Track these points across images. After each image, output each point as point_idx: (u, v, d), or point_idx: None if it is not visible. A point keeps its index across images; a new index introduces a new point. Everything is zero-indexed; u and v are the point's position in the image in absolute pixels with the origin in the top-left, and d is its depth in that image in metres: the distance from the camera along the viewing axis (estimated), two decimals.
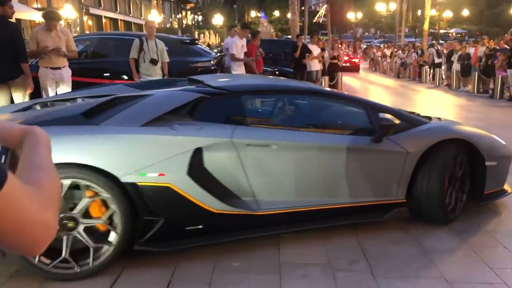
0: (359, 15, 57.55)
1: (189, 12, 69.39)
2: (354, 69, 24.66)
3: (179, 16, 61.47)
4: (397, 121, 3.46)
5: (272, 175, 3.24)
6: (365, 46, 39.06)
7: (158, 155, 2.90)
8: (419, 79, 19.81)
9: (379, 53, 28.02)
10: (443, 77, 17.71)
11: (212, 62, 9.05)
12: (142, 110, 3.15)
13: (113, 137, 2.89)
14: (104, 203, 2.85)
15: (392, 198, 3.58)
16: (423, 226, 3.72)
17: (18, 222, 0.62)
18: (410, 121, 3.80)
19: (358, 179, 3.48)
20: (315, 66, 12.47)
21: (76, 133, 2.87)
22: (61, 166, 2.66)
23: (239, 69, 8.96)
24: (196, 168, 2.97)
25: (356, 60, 26.31)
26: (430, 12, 32.54)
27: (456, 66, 15.93)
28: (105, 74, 8.49)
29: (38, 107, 3.71)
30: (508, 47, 12.66)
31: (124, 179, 2.81)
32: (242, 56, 8.99)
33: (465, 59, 15.35)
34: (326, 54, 14.95)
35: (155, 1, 49.12)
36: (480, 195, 3.96)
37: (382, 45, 33.56)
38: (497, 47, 13.69)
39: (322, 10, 66.62)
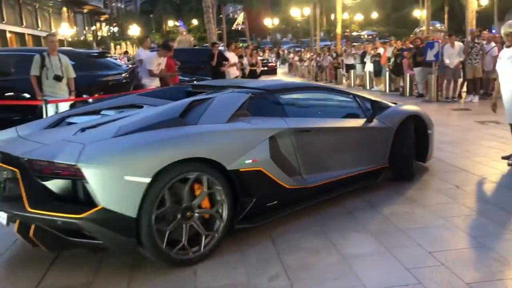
0: (276, 21, 58.75)
1: (104, 24, 66.96)
2: (272, 72, 28.43)
3: (93, 28, 59.12)
4: (391, 104, 5.13)
5: (314, 155, 4.05)
6: (285, 52, 39.98)
7: (249, 144, 3.50)
8: (335, 81, 20.48)
9: (296, 58, 28.72)
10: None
11: (123, 75, 8.66)
12: (220, 109, 3.65)
13: (218, 132, 3.44)
14: (212, 195, 3.33)
15: (382, 164, 4.74)
16: (340, 231, 3.70)
17: None
18: (385, 104, 5.08)
19: (364, 151, 4.57)
20: (234, 73, 12.40)
21: (193, 132, 3.33)
22: (188, 162, 3.15)
23: (153, 84, 8.64)
24: (274, 153, 3.65)
25: (273, 64, 30.54)
26: (342, 15, 33.93)
27: (369, 67, 16.64)
28: (6, 94, 7.88)
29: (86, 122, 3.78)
30: (413, 46, 13.39)
31: (229, 167, 3.34)
32: (158, 71, 8.69)
33: (377, 59, 16.07)
34: (245, 61, 14.98)
35: (66, 13, 46.89)
36: (425, 158, 5.31)
37: (291, 50, 35.15)
38: (404, 47, 14.44)
39: (240, 18, 67.32)
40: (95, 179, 2.82)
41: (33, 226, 2.96)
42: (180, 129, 3.30)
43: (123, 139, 3.10)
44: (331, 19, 53.51)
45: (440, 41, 12.68)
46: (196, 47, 24.35)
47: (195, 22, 62.77)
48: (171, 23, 67.44)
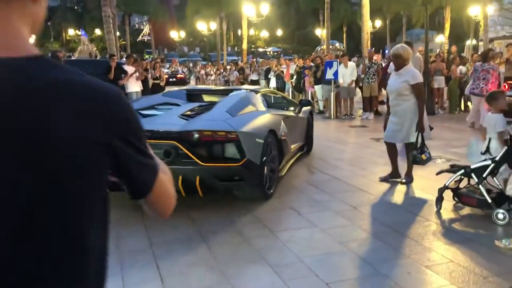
0: (182, 34, 58.25)
1: None
2: (180, 83, 28.96)
3: None
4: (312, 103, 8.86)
5: (290, 130, 5.92)
6: (191, 64, 39.74)
7: (280, 123, 5.53)
8: None
9: (203, 71, 28.52)
10: None
11: None
12: (252, 103, 5.54)
13: (272, 116, 5.52)
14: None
15: (304, 141, 7.13)
16: (215, 243, 3.45)
17: (168, 196, 1.05)
18: (298, 103, 7.46)
19: (299, 131, 6.78)
20: (134, 87, 11.80)
21: (267, 115, 5.43)
22: (269, 132, 5.02)
23: None
24: (288, 127, 5.77)
25: (182, 75, 31.86)
26: (248, 32, 34.46)
27: (273, 83, 16.86)
28: None
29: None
30: (314, 65, 13.78)
31: (278, 136, 5.33)
32: None
33: (281, 76, 16.35)
34: (149, 75, 14.36)
35: None
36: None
37: (196, 63, 35.31)
38: (305, 65, 14.83)
39: (146, 29, 65.78)
40: (245, 141, 4.46)
41: (198, 178, 4.30)
42: (257, 114, 5.25)
43: (244, 117, 4.92)
44: (238, 34, 54.33)
45: (338, 60, 13.19)
46: (96, 59, 23.16)
47: (98, 32, 60.16)
48: (71, 31, 63.93)
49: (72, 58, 26.91)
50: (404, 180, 5.61)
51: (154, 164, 1.00)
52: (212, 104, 5.40)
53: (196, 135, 4.32)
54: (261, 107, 5.60)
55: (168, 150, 4.31)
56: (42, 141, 0.83)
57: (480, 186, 4.31)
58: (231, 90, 6.24)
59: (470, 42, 36.10)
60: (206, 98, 6.52)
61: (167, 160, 4.22)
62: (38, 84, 0.85)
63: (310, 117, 7.56)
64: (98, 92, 0.92)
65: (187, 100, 6.13)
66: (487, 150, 4.58)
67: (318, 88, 13.37)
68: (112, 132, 0.90)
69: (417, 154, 5.35)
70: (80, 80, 0.90)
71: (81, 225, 0.89)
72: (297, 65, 15.59)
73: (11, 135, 0.82)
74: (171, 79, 26.74)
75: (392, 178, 5.72)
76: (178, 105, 5.59)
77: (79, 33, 53.17)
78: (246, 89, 6.31)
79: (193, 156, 4.28)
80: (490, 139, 4.62)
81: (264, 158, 4.73)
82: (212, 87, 8.80)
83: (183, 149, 4.30)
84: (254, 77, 19.37)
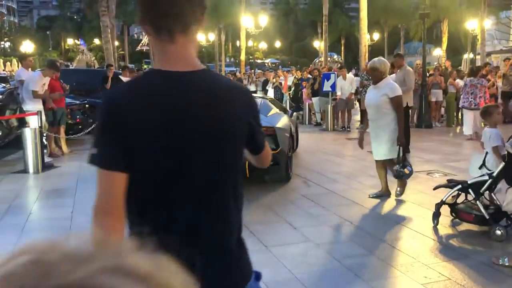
0: None
1: None
2: None
3: None
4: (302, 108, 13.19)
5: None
6: None
7: (291, 123, 7.26)
8: None
9: None
10: None
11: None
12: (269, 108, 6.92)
13: (285, 118, 7.09)
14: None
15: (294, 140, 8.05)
16: None
17: (268, 153, 1.61)
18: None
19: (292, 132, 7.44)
20: None
21: (286, 117, 7.13)
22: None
23: (36, 106, 7.81)
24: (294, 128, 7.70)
25: None
26: (246, 43, 34.60)
27: (271, 95, 16.86)
28: None
29: None
30: (311, 77, 13.79)
31: (292, 133, 7.04)
32: (42, 92, 7.89)
33: (279, 88, 16.36)
34: None
35: None
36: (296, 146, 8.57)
37: None
38: (303, 77, 14.84)
39: (145, 39, 65.94)
40: (279, 134, 5.95)
41: (247, 162, 4.65)
42: (280, 115, 6.96)
43: (273, 117, 6.47)
44: (236, 45, 54.52)
45: (336, 72, 13.20)
46: (93, 68, 23.17)
47: (97, 41, 60.32)
48: (70, 41, 64.09)
49: (70, 67, 26.90)
50: (398, 193, 5.53)
51: (264, 134, 1.57)
52: None
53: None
54: (277, 110, 7.03)
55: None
56: (234, 120, 1.38)
57: (478, 202, 4.26)
58: None
59: (467, 56, 36.30)
60: None
61: None
62: (222, 86, 1.42)
63: (297, 121, 9.38)
64: (244, 89, 1.60)
65: None
66: (483, 164, 4.53)
67: (315, 100, 13.36)
68: (250, 114, 1.44)
69: (399, 168, 5.25)
70: (233, 82, 1.65)
71: (239, 176, 1.45)
72: (295, 77, 15.60)
73: (216, 118, 1.35)
74: None
75: (382, 195, 5.61)
76: None
77: (78, 42, 53.30)
78: (261, 97, 7.72)
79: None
80: (486, 153, 4.58)
81: (289, 148, 6.36)
82: None
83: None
84: (251, 88, 19.37)
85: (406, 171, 5.26)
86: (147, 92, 1.31)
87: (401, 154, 5.27)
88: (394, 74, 9.35)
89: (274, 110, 6.84)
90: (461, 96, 10.49)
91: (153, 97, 1.29)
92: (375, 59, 5.48)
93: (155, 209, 1.34)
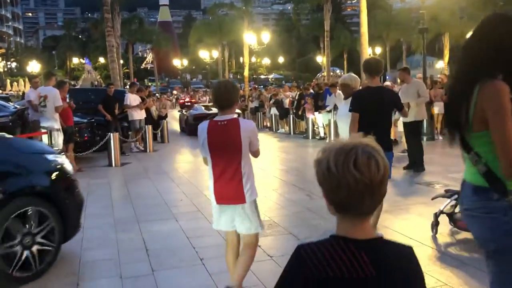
0: (185, 62, 59.11)
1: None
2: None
3: None
4: None
5: None
6: (192, 92, 40.40)
7: None
8: None
9: (205, 98, 28.88)
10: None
11: (10, 117, 7.98)
12: None
13: None
14: None
15: None
16: (216, 268, 3.53)
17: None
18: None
19: None
20: (138, 115, 12.05)
21: None
22: None
23: (57, 123, 8.12)
24: None
25: (193, 100, 32.14)
26: (249, 59, 34.98)
27: (274, 110, 17.12)
28: None
29: None
30: (314, 92, 14.00)
31: None
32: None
33: (280, 104, 16.61)
34: (153, 109, 14.57)
35: None
36: None
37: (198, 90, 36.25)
38: (304, 93, 15.06)
39: (149, 57, 66.77)
40: None
41: None
42: None
43: None
44: (240, 61, 55.07)
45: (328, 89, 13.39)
46: (96, 87, 23.58)
47: (102, 60, 61.13)
48: (75, 60, 64.96)
49: (76, 86, 27.34)
50: None
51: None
52: None
53: None
54: None
55: None
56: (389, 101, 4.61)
57: None
58: None
59: None
60: None
61: None
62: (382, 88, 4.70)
63: None
64: None
65: None
66: None
67: (318, 114, 13.56)
68: None
69: None
70: None
71: None
72: (296, 93, 15.86)
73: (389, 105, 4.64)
74: (186, 104, 28.82)
75: None
76: None
77: (83, 61, 54.02)
78: None
79: None
80: None
81: None
82: None
83: None
84: (255, 104, 19.63)
85: None
86: None
87: None
88: (399, 87, 9.49)
89: None
90: None
91: None
92: (346, 75, 5.72)
93: None
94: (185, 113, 18.19)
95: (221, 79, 6.08)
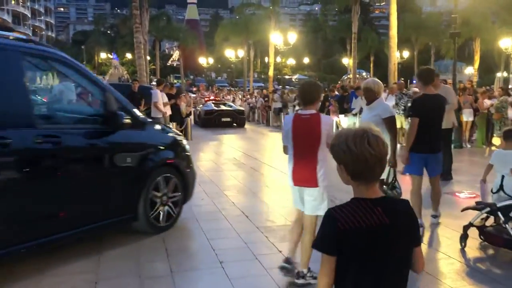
0: (211, 60, 59.34)
1: None
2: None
3: None
4: None
5: None
6: (216, 90, 40.38)
7: None
8: (266, 122, 20.71)
9: (229, 97, 28.85)
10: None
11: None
12: None
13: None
14: None
15: None
16: (234, 271, 3.44)
17: None
18: None
19: None
20: (160, 113, 12.07)
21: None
22: None
23: None
24: None
25: (217, 98, 31.31)
26: (274, 59, 34.88)
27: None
28: None
29: None
30: (339, 94, 13.81)
31: None
32: None
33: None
34: (182, 106, 14.61)
35: None
36: None
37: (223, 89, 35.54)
38: (331, 94, 14.87)
39: (175, 54, 67.27)
40: None
41: None
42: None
43: None
44: (264, 61, 54.95)
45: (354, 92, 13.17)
46: (122, 83, 23.86)
47: (129, 55, 61.89)
48: (103, 55, 65.94)
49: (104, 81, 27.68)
50: None
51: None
52: None
53: None
54: None
55: None
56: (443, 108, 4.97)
57: (507, 225, 4.20)
58: None
59: (501, 75, 35.54)
60: None
61: None
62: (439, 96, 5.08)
63: None
64: None
65: None
66: (501, 188, 4.46)
67: (343, 117, 13.36)
68: None
69: (387, 190, 5.13)
70: None
71: None
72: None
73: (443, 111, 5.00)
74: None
75: None
76: None
77: (111, 56, 54.80)
78: None
79: None
80: (503, 176, 4.51)
81: None
82: None
83: None
84: (277, 105, 19.54)
85: (395, 193, 5.14)
86: None
87: (391, 175, 5.13)
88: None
89: None
90: None
91: None
92: (369, 79, 5.47)
93: None
94: (198, 108, 20.87)
95: (306, 80, 6.09)
